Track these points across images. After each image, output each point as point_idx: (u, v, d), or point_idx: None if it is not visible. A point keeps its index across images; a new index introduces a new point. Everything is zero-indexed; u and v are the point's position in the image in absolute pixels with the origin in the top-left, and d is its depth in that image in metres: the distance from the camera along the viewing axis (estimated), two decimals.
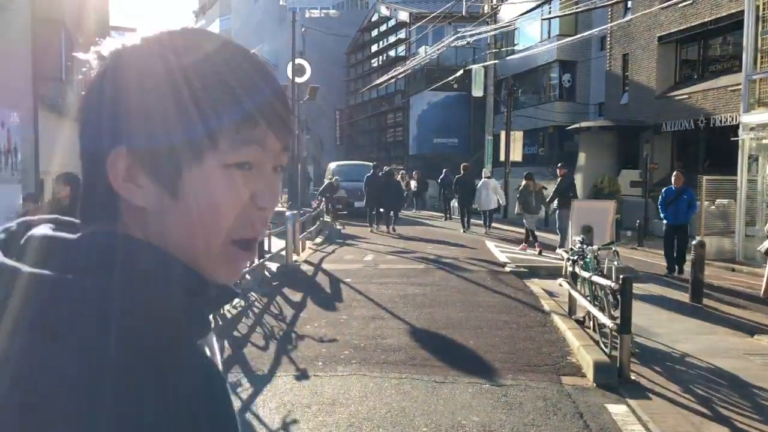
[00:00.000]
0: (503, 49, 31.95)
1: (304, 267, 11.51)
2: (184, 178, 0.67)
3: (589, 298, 7.68)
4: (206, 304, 0.73)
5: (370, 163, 30.61)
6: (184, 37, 0.70)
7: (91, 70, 0.70)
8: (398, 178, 26.47)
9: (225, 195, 0.68)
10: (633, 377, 6.12)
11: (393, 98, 49.50)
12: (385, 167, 23.19)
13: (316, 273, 10.96)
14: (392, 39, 49.95)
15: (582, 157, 25.91)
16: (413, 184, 30.91)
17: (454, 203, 26.48)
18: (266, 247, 11.48)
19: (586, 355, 6.46)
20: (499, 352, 6.82)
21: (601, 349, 6.74)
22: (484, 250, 15.06)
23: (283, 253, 11.85)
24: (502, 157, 28.51)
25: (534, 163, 32.50)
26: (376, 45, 53.69)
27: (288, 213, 11.76)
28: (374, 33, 53.47)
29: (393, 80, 44.42)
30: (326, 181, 28.75)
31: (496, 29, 27.19)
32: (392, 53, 49.77)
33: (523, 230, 15.00)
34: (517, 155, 28.28)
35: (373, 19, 52.72)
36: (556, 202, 14.48)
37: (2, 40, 11.65)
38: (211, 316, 0.77)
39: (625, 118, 24.99)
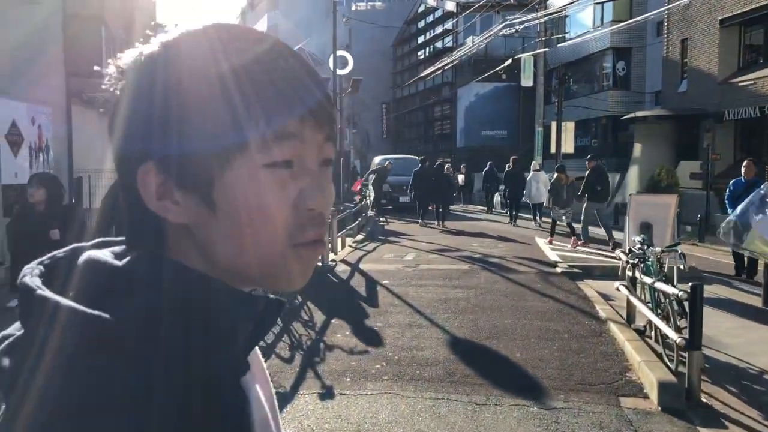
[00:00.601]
0: (554, 36, 30.83)
1: (340, 268, 10.92)
2: (216, 187, 0.63)
3: (650, 305, 6.87)
4: (256, 329, 0.66)
5: (416, 157, 30.01)
6: (228, 34, 0.65)
7: (120, 75, 0.66)
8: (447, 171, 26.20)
9: (269, 198, 0.63)
10: (704, 399, 5.33)
11: (440, 90, 48.64)
12: (439, 161, 23.15)
13: (353, 274, 10.34)
14: (439, 30, 49.04)
15: (637, 149, 24.75)
16: (461, 177, 30.13)
17: (497, 197, 26.44)
18: None
19: (648, 372, 5.68)
20: (549, 368, 6.09)
21: (666, 364, 5.94)
22: (534, 247, 14.24)
23: None
24: (553, 149, 27.66)
25: (586, 155, 31.37)
26: (422, 36, 52.85)
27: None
28: (421, 24, 52.67)
29: (440, 72, 43.61)
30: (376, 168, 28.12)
31: (546, 14, 26.16)
32: (439, 44, 48.88)
33: (575, 224, 14.12)
34: (568, 147, 27.33)
35: (420, 9, 51.92)
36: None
37: (32, 36, 11.37)
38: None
39: (683, 106, 23.75)
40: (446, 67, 40.27)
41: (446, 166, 27.19)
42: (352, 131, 58.18)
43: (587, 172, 13.94)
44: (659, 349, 6.51)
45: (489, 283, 9.65)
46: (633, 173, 24.32)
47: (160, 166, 0.63)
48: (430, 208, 19.94)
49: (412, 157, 30.26)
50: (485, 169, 25.88)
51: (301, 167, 0.65)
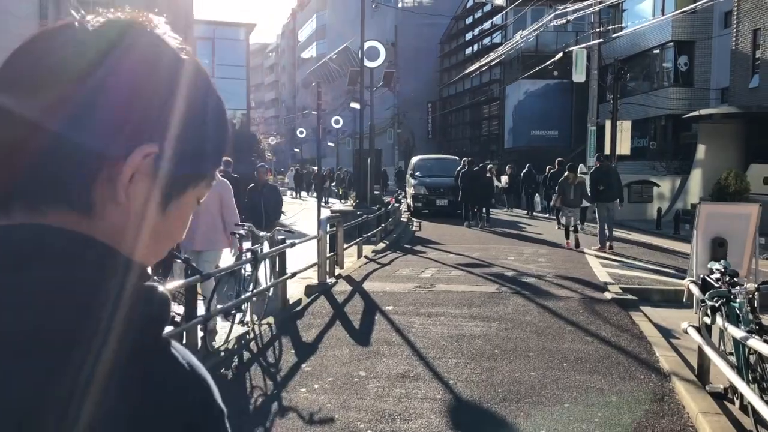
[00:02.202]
0: (609, 28, 28.45)
1: (340, 287, 9.04)
2: (180, 199, 0.69)
3: (736, 362, 4.86)
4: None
5: (456, 158, 28.02)
6: (200, 65, 0.71)
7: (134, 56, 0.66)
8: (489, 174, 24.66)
9: (184, 222, 0.72)
10: None
11: (488, 89, 46.42)
12: (482, 163, 22.93)
13: (351, 297, 8.47)
14: (487, 25, 46.82)
15: (701, 150, 22.26)
16: (504, 179, 28.02)
17: (537, 199, 25.42)
18: (292, 264, 9.14)
19: None
20: None
21: None
22: (581, 262, 12.17)
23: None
24: (608, 150, 25.37)
25: (644, 157, 28.97)
26: (470, 33, 50.66)
27: (322, 217, 9.33)
28: (469, 20, 50.45)
29: (487, 69, 41.44)
30: (409, 178, 26.46)
31: (600, 2, 23.88)
32: (487, 41, 46.66)
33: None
34: (624, 148, 24.99)
35: (468, 5, 49.73)
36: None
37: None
38: None
39: (754, 103, 21.24)
40: (494, 64, 38.10)
41: (489, 168, 25.44)
42: (397, 131, 56.43)
43: (590, 171, 13.93)
44: (749, 424, 4.53)
45: (518, 312, 7.67)
46: (696, 177, 21.90)
47: (160, 154, 0.65)
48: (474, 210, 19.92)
49: (452, 157, 28.28)
50: (524, 171, 24.95)
51: (197, 204, 0.73)
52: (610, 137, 25.37)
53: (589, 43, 27.13)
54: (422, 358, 6.05)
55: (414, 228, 19.80)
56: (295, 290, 8.87)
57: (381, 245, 14.13)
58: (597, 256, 12.99)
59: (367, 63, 19.69)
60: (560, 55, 28.22)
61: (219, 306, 6.51)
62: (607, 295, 8.73)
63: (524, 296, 8.50)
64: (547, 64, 29.57)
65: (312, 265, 9.19)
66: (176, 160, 0.65)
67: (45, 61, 0.63)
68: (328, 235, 9.24)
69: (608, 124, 26.00)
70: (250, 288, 7.38)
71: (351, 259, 12.72)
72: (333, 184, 40.95)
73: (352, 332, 6.91)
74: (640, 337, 6.85)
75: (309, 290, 8.74)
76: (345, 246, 12.56)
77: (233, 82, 44.14)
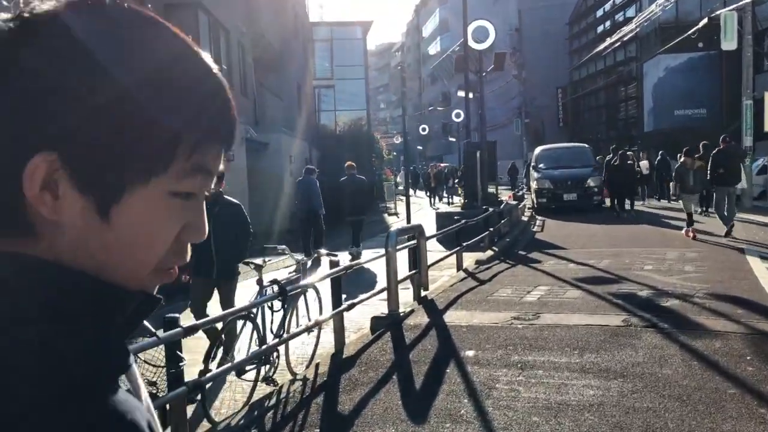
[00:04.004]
0: None
1: (414, 320, 7.01)
2: (124, 200, 0.59)
3: None
4: (127, 325, 0.65)
5: (585, 145, 25.12)
6: (132, 17, 0.60)
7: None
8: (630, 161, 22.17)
9: (163, 226, 0.62)
10: None
11: (623, 68, 42.47)
12: (627, 150, 22.62)
13: (424, 335, 6.43)
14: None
15: None
16: (644, 165, 24.84)
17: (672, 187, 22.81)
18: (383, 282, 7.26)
19: None
20: None
21: None
22: (741, 270, 9.46)
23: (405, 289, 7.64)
24: (767, 127, 21.76)
25: None
26: (601, 9, 46.74)
27: (391, 230, 7.34)
28: None
29: (621, 46, 37.80)
30: (532, 171, 24.09)
31: None
32: (620, 16, 42.71)
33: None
34: None
35: None
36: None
37: None
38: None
39: None
40: (627, 39, 34.53)
41: (628, 154, 22.79)
42: (525, 121, 53.30)
43: (712, 153, 13.37)
44: None
45: (652, 362, 5.34)
46: None
47: (66, 160, 0.57)
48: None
49: (581, 145, 25.41)
50: (657, 158, 22.99)
51: (195, 199, 0.63)
52: None
53: (740, 3, 23.38)
54: None
55: (535, 228, 17.42)
56: (366, 320, 7.05)
57: (488, 253, 11.99)
58: (762, 259, 10.22)
59: (474, 45, 17.51)
60: (705, 20, 24.62)
61: (219, 368, 4.79)
62: None
63: (662, 332, 6.10)
64: (689, 33, 26.01)
65: (383, 290, 7.28)
66: (93, 163, 0.57)
67: None
68: (398, 252, 7.27)
69: (767, 96, 22.36)
70: (281, 332, 5.61)
71: (450, 272, 10.71)
72: (456, 181, 38.82)
73: (407, 397, 4.92)
74: None
75: (375, 324, 6.84)
76: (441, 257, 10.59)
77: (353, 83, 43.14)
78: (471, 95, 18.28)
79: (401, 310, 7.17)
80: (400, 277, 8.85)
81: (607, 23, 44.55)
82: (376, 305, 7.62)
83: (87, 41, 0.56)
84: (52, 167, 0.56)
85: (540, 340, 6.03)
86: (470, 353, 5.75)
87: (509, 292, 8.28)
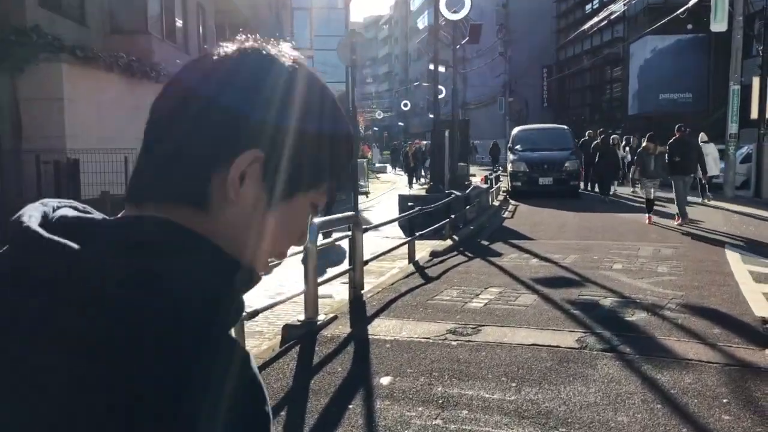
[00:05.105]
0: None
1: (332, 330, 5.81)
2: (291, 201, 0.75)
3: None
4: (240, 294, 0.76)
5: (566, 127, 24.02)
6: (317, 78, 0.78)
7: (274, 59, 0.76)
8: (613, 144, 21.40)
9: (298, 225, 0.79)
10: None
11: (609, 49, 41.28)
12: (611, 133, 22.50)
13: (338, 352, 5.26)
14: None
15: None
16: (626, 151, 23.85)
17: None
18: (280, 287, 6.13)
19: None
20: None
21: None
22: (720, 272, 8.46)
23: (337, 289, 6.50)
24: (755, 114, 20.89)
25: None
26: None
27: (315, 220, 6.20)
28: None
29: (608, 25, 36.59)
30: (508, 153, 23.07)
31: None
32: None
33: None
34: None
35: None
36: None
37: None
38: None
39: None
40: (615, 18, 33.33)
41: (612, 138, 21.98)
42: (509, 99, 52.10)
43: (669, 142, 13.70)
44: None
45: (606, 404, 4.26)
46: None
47: (265, 158, 0.72)
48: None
49: (560, 126, 24.34)
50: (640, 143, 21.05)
51: (314, 211, 0.80)
52: (758, 98, 20.89)
53: None
54: None
55: (506, 214, 16.37)
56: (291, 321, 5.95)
57: (447, 243, 10.90)
58: (743, 257, 9.26)
59: (449, 15, 16.27)
60: (694, 0, 23.54)
61: None
62: None
63: (622, 359, 5.02)
64: (678, 12, 24.90)
65: (300, 293, 6.13)
66: (284, 167, 0.73)
67: (182, 81, 0.76)
68: (317, 248, 6.12)
69: (756, 82, 21.49)
70: None
71: (402, 263, 9.63)
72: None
73: None
74: None
75: (287, 334, 5.73)
76: (393, 246, 9.50)
77: (334, 54, 41.72)
78: (443, 69, 17.08)
79: (320, 317, 6.04)
80: (338, 270, 7.80)
81: (596, 1, 43.26)
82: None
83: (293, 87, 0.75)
84: (255, 161, 0.71)
85: (473, 364, 4.94)
86: (386, 381, 4.65)
87: (454, 295, 7.17)
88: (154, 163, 0.72)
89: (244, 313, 4.43)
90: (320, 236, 6.81)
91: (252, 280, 0.75)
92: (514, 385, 4.53)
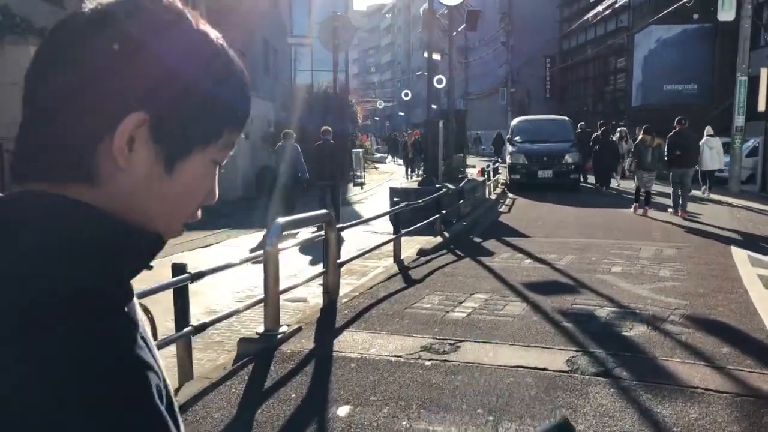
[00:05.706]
0: None
1: (294, 345, 5.13)
2: (188, 159, 0.70)
3: None
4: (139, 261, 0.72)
5: (567, 118, 23.34)
6: (197, 26, 0.72)
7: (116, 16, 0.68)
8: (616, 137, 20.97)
9: (203, 185, 0.74)
10: None
11: (614, 38, 40.46)
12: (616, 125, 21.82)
13: (297, 371, 4.62)
14: None
15: None
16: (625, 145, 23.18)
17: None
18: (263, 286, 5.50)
19: None
20: None
21: None
22: (727, 277, 7.83)
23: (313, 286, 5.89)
24: (762, 106, 20.21)
25: None
26: None
27: (277, 221, 5.53)
28: None
29: (612, 14, 35.81)
30: (507, 144, 22.43)
31: None
32: None
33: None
34: None
35: None
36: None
37: None
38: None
39: None
40: (618, 6, 32.53)
41: (618, 131, 21.47)
42: (511, 90, 51.25)
43: (669, 135, 13.48)
44: None
45: None
46: None
47: (151, 119, 0.66)
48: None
49: (561, 118, 23.65)
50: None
51: (218, 169, 0.75)
52: (766, 90, 20.24)
53: None
54: None
55: (503, 209, 15.73)
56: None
57: (436, 240, 10.28)
58: (751, 257, 8.65)
59: (445, 0, 15.58)
60: None
61: None
62: None
63: (618, 386, 4.39)
64: (684, 0, 24.11)
65: (259, 301, 5.50)
66: (174, 126, 0.68)
67: (55, 46, 0.69)
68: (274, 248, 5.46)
69: (764, 73, 20.82)
70: None
71: (388, 262, 9.01)
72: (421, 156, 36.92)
73: None
74: None
75: (242, 349, 5.11)
76: (378, 244, 8.89)
77: None
78: (438, 57, 16.40)
79: (282, 329, 5.41)
80: (314, 272, 7.20)
81: None
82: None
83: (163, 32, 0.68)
84: (141, 124, 0.66)
85: (447, 391, 4.31)
86: (343, 411, 4.03)
87: (436, 302, 6.55)
88: (35, 141, 0.68)
89: (197, 321, 3.78)
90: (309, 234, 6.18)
91: (158, 246, 0.72)
92: (491, 419, 3.91)
